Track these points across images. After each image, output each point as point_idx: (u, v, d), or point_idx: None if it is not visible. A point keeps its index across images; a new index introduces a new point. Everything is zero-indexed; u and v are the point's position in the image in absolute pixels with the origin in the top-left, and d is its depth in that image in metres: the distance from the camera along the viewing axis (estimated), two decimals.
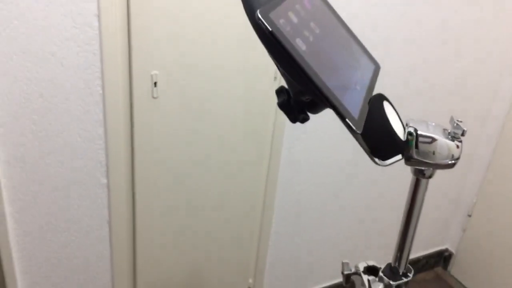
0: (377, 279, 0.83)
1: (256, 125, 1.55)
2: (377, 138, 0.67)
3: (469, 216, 2.34)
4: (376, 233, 2.14)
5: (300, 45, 0.60)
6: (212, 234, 1.68)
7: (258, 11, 0.56)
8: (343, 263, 0.92)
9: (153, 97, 1.32)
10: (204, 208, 1.61)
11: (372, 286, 0.80)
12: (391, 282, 0.80)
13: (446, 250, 2.48)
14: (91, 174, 1.36)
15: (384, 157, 0.69)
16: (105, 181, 1.39)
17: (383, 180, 1.99)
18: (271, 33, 0.56)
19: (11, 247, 1.33)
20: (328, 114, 0.71)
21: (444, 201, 2.31)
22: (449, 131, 0.70)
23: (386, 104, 0.70)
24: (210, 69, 1.39)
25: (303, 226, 1.89)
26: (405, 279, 0.81)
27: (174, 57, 1.31)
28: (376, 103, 0.68)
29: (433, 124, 0.71)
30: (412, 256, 2.38)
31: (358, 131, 0.60)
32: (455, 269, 2.45)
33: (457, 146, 0.69)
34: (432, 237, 2.42)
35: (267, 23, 0.56)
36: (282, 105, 0.67)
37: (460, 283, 2.41)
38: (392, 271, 0.82)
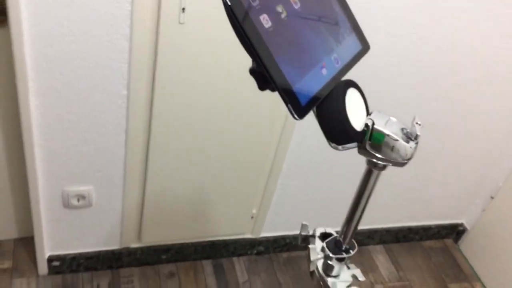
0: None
1: None
2: (331, 125, 0.68)
3: (492, 198, 2.28)
4: (382, 193, 2.15)
5: (263, 23, 0.60)
6: (224, 160, 1.74)
7: None
8: (302, 225, 0.96)
9: (180, 23, 1.34)
10: (220, 133, 1.66)
11: (311, 254, 0.85)
12: (331, 255, 0.84)
13: (461, 225, 2.46)
14: (113, 84, 1.43)
15: (338, 142, 0.70)
16: (125, 92, 1.46)
17: None
18: (230, 7, 0.56)
19: (33, 135, 1.46)
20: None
21: (471, 177, 2.26)
22: (407, 130, 0.70)
23: (351, 91, 0.70)
24: None
25: (314, 173, 1.92)
26: (345, 255, 0.84)
27: None
28: (338, 89, 0.69)
29: (395, 120, 0.71)
30: (424, 223, 2.40)
31: (297, 118, 0.61)
32: (465, 245, 2.44)
33: (410, 147, 0.69)
34: (450, 209, 2.39)
35: None
36: (252, 71, 0.68)
37: (466, 258, 2.41)
38: (335, 245, 0.85)
